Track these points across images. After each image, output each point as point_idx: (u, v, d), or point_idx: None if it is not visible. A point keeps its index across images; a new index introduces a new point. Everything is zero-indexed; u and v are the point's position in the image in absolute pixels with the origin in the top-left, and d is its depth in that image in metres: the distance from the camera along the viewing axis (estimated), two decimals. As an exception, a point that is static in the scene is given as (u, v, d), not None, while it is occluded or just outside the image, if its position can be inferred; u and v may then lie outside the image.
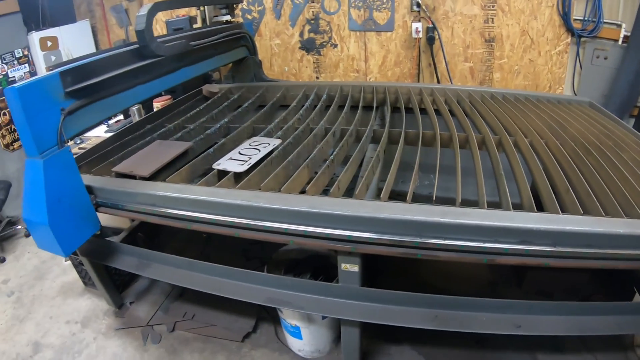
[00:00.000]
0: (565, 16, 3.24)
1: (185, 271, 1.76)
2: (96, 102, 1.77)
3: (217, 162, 1.73)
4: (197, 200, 1.49)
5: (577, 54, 3.36)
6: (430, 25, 3.25)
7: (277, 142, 1.87)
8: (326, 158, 1.81)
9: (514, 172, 1.71)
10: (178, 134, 2.20)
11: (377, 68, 3.58)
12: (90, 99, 1.73)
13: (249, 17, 3.66)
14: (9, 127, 3.93)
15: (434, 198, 1.44)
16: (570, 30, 3.28)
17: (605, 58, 3.30)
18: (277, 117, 2.34)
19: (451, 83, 3.43)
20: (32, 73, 4.07)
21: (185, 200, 1.51)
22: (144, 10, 1.92)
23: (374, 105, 2.45)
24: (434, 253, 1.31)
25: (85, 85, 1.66)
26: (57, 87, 1.55)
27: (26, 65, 4.03)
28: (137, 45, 1.98)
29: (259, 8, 3.60)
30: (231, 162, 1.70)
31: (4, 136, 3.90)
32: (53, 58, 4.07)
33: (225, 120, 2.31)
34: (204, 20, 2.76)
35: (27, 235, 3.55)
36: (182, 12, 3.60)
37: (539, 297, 2.18)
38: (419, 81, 3.47)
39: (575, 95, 3.47)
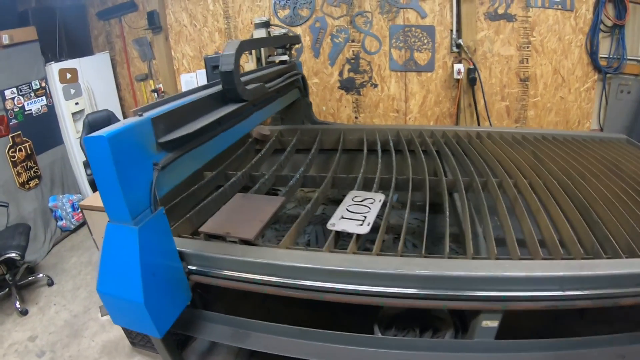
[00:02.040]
0: (593, 55, 3.53)
1: (295, 340, 1.60)
2: (185, 153, 1.58)
3: (331, 223, 1.73)
4: (334, 271, 1.43)
5: (603, 89, 3.66)
6: (471, 67, 3.46)
7: (381, 196, 1.91)
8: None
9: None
10: (256, 185, 2.16)
11: (417, 108, 3.75)
12: (181, 150, 1.55)
13: None
14: (25, 164, 3.81)
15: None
16: (597, 67, 3.57)
17: (629, 92, 3.61)
18: (355, 165, 2.37)
19: (489, 122, 3.63)
20: (50, 106, 3.99)
21: (318, 270, 1.46)
22: (231, 50, 1.75)
23: (449, 152, 2.52)
24: (574, 303, 1.40)
25: (181, 136, 1.49)
26: (149, 137, 1.36)
27: (43, 97, 3.95)
28: (216, 88, 1.86)
29: (297, 46, 3.70)
30: (347, 223, 1.71)
31: (19, 174, 3.78)
32: (72, 91, 4.01)
33: (302, 170, 2.33)
34: (259, 59, 2.80)
35: (50, 284, 3.42)
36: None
37: (601, 326, 2.32)
38: (458, 121, 3.65)
39: (602, 128, 3.76)
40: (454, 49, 3.52)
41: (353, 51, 3.67)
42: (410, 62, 3.64)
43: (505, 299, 1.38)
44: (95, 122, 3.73)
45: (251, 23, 3.71)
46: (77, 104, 4.01)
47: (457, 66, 3.47)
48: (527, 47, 3.56)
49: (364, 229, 1.65)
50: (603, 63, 3.57)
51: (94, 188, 3.64)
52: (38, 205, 3.88)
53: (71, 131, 4.01)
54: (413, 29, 3.55)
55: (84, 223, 4.10)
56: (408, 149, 2.58)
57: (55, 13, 4.05)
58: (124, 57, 4.15)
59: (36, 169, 3.90)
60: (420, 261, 1.47)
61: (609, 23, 3.45)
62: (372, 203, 1.84)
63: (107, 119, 3.78)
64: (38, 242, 3.78)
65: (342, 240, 1.76)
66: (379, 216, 1.77)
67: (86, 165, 3.70)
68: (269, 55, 2.84)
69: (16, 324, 3.03)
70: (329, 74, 3.80)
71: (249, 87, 2.00)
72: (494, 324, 1.45)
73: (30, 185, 3.86)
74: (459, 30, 3.47)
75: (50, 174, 3.98)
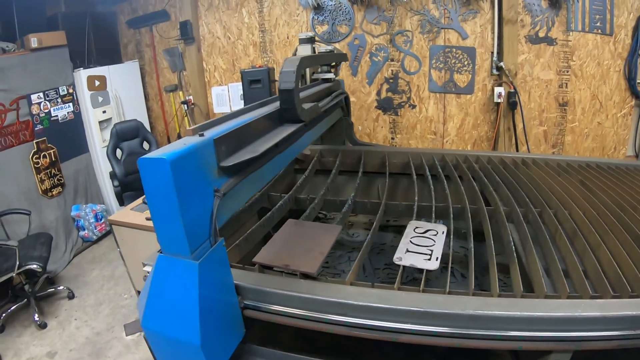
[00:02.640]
0: (631, 80, 3.54)
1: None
2: (245, 178, 1.43)
3: (397, 257, 1.69)
4: (410, 311, 1.39)
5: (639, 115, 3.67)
6: (512, 90, 3.45)
7: (443, 228, 1.88)
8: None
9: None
10: (306, 211, 2.09)
11: (454, 131, 3.74)
12: (242, 175, 1.41)
13: None
14: (48, 171, 3.77)
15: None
16: (634, 93, 3.58)
17: None
18: (399, 189, 2.33)
19: (527, 147, 3.62)
20: (76, 113, 3.96)
21: (393, 311, 1.41)
22: (291, 66, 1.62)
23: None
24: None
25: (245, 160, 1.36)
26: (211, 160, 1.23)
27: (70, 104, 3.92)
28: (271, 107, 1.77)
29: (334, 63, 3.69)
30: (415, 257, 1.67)
31: (42, 181, 3.73)
32: (100, 99, 3.99)
33: (353, 196, 2.24)
34: (303, 76, 2.77)
35: (71, 297, 3.34)
36: (260, 62, 3.68)
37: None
38: (496, 145, 3.64)
39: (637, 155, 3.76)
40: (494, 71, 3.52)
41: (392, 70, 3.67)
42: (450, 83, 3.64)
43: (580, 339, 1.35)
44: (123, 131, 3.71)
45: (287, 38, 3.74)
46: (104, 112, 3.99)
47: (497, 89, 3.46)
48: (567, 72, 3.56)
49: (434, 265, 1.59)
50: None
51: (121, 201, 3.59)
52: (60, 214, 3.83)
53: (97, 140, 3.97)
54: (454, 50, 3.55)
55: (106, 234, 4.05)
56: (457, 174, 2.55)
57: (86, 18, 4.05)
58: (154, 66, 4.14)
59: (60, 176, 3.86)
60: (497, 301, 1.42)
61: (645, 47, 3.49)
62: (435, 235, 1.79)
63: (136, 129, 3.76)
64: (59, 251, 3.72)
65: (387, 268, 1.69)
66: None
67: (112, 176, 3.65)
68: (313, 73, 2.79)
69: (34, 337, 2.96)
70: (367, 93, 3.79)
71: (305, 106, 1.92)
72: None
73: (54, 193, 3.81)
74: (499, 52, 3.48)
75: (74, 182, 3.93)
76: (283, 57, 3.79)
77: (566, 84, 3.57)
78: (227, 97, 4.02)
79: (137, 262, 2.15)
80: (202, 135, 1.20)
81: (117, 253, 2.91)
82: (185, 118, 4.15)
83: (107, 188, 4.04)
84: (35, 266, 2.95)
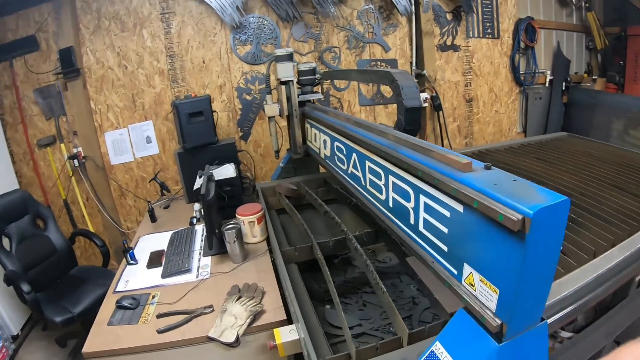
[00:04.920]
0: (515, 72, 4.55)
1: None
2: None
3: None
4: None
5: (523, 99, 4.76)
6: (434, 94, 4.04)
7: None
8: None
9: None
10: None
11: (389, 137, 4.13)
12: None
13: (248, 97, 3.63)
14: None
15: None
16: (518, 82, 4.61)
17: (540, 98, 4.80)
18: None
19: (449, 142, 4.31)
20: None
21: None
22: (410, 82, 1.50)
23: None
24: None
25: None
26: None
27: None
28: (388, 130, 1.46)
29: (261, 86, 3.64)
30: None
31: None
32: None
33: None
34: (288, 98, 2.57)
35: None
36: (169, 93, 3.39)
37: None
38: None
39: (524, 131, 4.89)
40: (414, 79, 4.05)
41: (323, 88, 3.80)
42: (378, 95, 4.00)
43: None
44: (5, 210, 3.02)
45: (203, 62, 3.52)
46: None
47: (422, 95, 4.00)
48: (470, 73, 4.33)
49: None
50: (522, 78, 4.64)
51: (39, 311, 2.91)
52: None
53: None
54: (379, 62, 3.90)
55: None
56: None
57: None
58: (19, 115, 3.33)
59: None
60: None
61: (524, 45, 4.51)
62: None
63: (22, 203, 3.08)
64: None
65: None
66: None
67: (9, 278, 2.90)
68: (300, 95, 2.60)
69: None
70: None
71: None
72: None
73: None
74: (418, 61, 4.00)
75: None
76: (200, 86, 3.55)
77: (470, 82, 4.35)
78: (127, 143, 3.54)
79: None
80: (489, 167, 0.90)
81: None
82: (73, 178, 3.50)
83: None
84: None
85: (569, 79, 4.80)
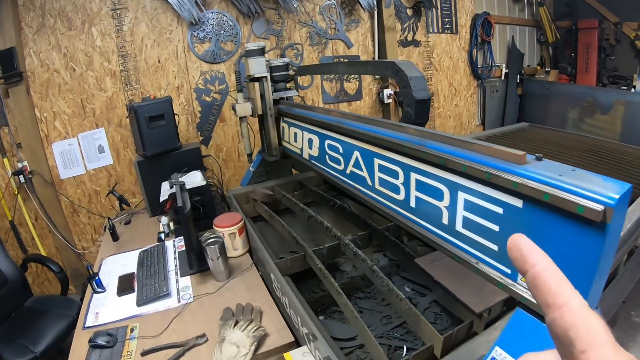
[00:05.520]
0: (473, 66, 4.74)
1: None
2: None
3: None
4: None
5: (481, 92, 4.97)
6: (398, 90, 4.13)
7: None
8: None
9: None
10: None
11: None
12: None
13: (208, 98, 3.52)
14: None
15: None
16: (476, 76, 4.82)
17: (497, 91, 5.04)
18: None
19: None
20: None
21: None
22: (416, 72, 1.40)
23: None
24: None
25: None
26: None
27: None
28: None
29: (221, 87, 3.53)
30: None
31: None
32: None
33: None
34: (262, 96, 2.42)
35: None
36: (122, 97, 3.23)
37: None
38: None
39: (483, 123, 5.11)
40: (376, 76, 4.12)
41: (297, 85, 3.75)
42: (342, 93, 4.03)
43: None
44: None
45: (159, 62, 3.40)
46: None
47: (386, 91, 4.05)
48: (430, 67, 4.46)
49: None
50: (479, 72, 4.84)
51: None
52: None
53: None
54: (342, 59, 3.95)
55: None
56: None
57: None
58: None
59: None
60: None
61: (481, 40, 4.70)
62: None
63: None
64: None
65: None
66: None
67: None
68: (273, 92, 2.45)
69: None
70: None
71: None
72: None
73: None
74: (380, 57, 4.07)
75: None
76: (155, 88, 3.40)
77: (431, 77, 4.48)
78: (78, 154, 3.32)
79: None
80: (540, 159, 0.88)
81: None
82: (19, 196, 3.15)
83: None
84: None
85: (523, 72, 5.07)
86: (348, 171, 1.61)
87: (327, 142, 1.77)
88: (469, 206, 0.99)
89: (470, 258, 1.01)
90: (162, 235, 2.45)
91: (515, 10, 5.03)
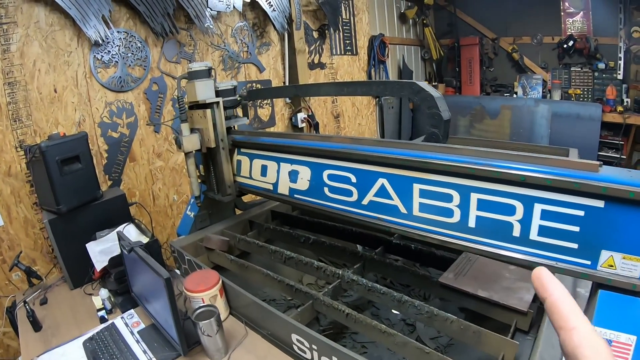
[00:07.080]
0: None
1: None
2: None
3: None
4: None
5: (379, 110, 5.57)
6: (310, 113, 4.42)
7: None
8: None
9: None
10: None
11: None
12: None
13: (115, 134, 3.24)
14: None
15: None
16: (375, 95, 5.39)
17: (392, 107, 5.70)
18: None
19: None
20: None
21: None
22: (436, 92, 1.47)
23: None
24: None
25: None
26: None
27: None
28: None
29: (129, 120, 3.30)
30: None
31: None
32: None
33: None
34: (215, 126, 2.17)
35: None
36: (10, 137, 2.89)
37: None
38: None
39: (382, 137, 5.71)
40: (287, 100, 4.35)
41: (248, 112, 3.71)
42: (256, 120, 4.14)
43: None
44: None
45: (55, 91, 3.10)
46: None
47: (300, 115, 4.29)
48: (336, 87, 4.88)
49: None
50: (374, 90, 5.41)
51: None
52: None
53: None
54: (254, 84, 4.04)
55: None
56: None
57: None
58: None
59: None
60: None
61: (377, 60, 5.28)
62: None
63: None
64: None
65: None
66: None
67: None
68: (227, 118, 2.26)
69: None
70: (176, 151, 3.54)
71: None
72: None
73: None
74: (290, 81, 4.31)
75: None
76: (51, 124, 2.96)
77: (336, 99, 4.89)
78: None
79: None
80: (601, 165, 1.13)
81: None
82: None
83: None
84: None
85: (413, 89, 5.81)
86: (365, 202, 1.55)
87: (328, 172, 1.67)
88: (546, 215, 1.17)
89: (546, 261, 1.19)
90: (104, 314, 2.05)
91: (403, 32, 5.74)
